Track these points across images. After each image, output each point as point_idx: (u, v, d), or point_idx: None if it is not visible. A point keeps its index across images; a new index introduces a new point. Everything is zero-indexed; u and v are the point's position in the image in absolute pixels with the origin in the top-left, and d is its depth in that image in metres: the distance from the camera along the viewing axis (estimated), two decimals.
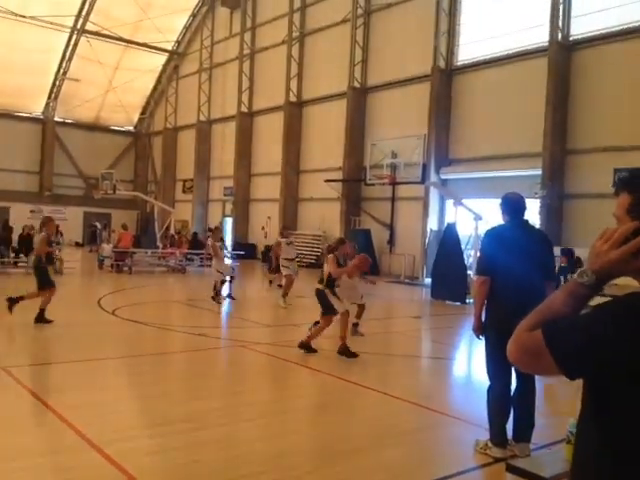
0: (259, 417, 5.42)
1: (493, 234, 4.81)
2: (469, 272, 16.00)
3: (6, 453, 4.33)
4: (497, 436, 4.52)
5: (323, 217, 26.14)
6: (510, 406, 4.53)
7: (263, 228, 30.24)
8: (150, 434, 4.85)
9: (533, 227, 4.79)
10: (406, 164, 16.53)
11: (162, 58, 38.01)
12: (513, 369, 4.52)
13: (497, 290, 4.49)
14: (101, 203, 33.44)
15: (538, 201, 18.69)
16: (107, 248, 20.68)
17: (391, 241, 23.78)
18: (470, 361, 9.14)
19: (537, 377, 4.60)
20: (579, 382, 1.49)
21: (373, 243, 23.19)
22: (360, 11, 25.25)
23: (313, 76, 27.90)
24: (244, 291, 18.23)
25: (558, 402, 6.25)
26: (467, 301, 15.43)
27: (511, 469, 3.15)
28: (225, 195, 33.27)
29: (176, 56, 37.90)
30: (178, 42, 37.47)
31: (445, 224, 22.10)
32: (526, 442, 4.58)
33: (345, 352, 7.79)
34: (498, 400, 4.54)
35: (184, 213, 34.43)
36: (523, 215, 4.73)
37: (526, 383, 4.57)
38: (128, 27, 33.62)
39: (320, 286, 8.06)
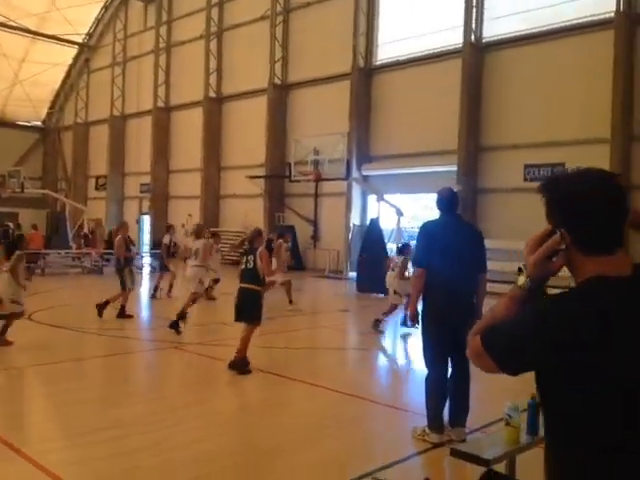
0: (188, 420, 5.30)
1: (427, 228, 4.96)
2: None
3: None
4: (434, 422, 4.69)
5: (246, 214, 25.93)
6: (446, 392, 4.70)
7: (183, 225, 29.55)
8: (79, 443, 4.65)
9: (465, 222, 4.95)
10: (330, 161, 16.68)
11: (72, 51, 36.30)
12: (455, 362, 4.71)
13: (431, 282, 4.66)
14: (7, 202, 31.50)
15: None
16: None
17: (315, 237, 23.95)
18: (397, 351, 9.38)
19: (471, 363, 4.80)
20: None
21: (297, 239, 23.28)
22: (279, 8, 25.21)
23: (233, 72, 27.60)
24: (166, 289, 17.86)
25: (489, 386, 6.52)
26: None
27: (455, 453, 3.29)
28: (142, 192, 32.31)
29: (87, 49, 36.32)
30: (89, 35, 35.91)
31: (367, 219, 22.59)
32: (461, 426, 4.77)
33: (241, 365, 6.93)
34: (435, 387, 4.70)
35: (97, 211, 33.06)
36: (455, 210, 4.88)
37: (461, 369, 4.75)
38: (35, 18, 31.88)
39: (256, 287, 7.10)
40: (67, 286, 17.13)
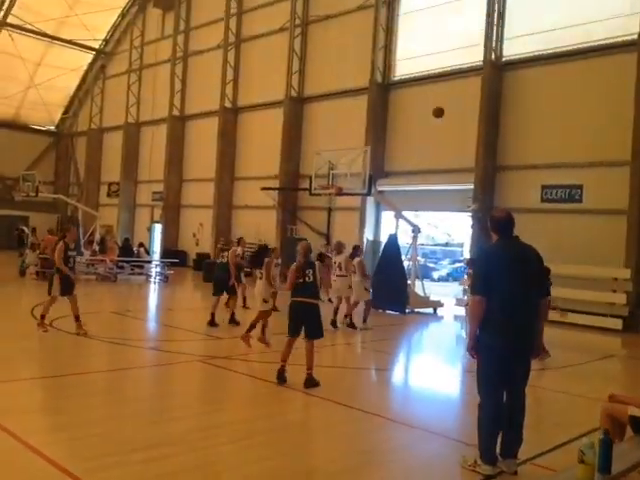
0: (238, 439, 5.26)
1: (487, 253, 4.84)
2: (409, 282, 16.39)
3: None
4: (487, 453, 4.60)
5: (259, 225, 25.93)
6: (502, 423, 4.60)
7: (194, 235, 29.63)
8: (128, 461, 4.58)
9: (524, 244, 4.75)
10: (352, 175, 16.69)
11: (88, 56, 36.56)
12: (512, 396, 4.62)
13: (493, 310, 4.51)
14: (19, 206, 31.66)
15: (470, 214, 19.44)
16: (31, 254, 19.56)
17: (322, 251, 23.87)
18: (425, 374, 9.31)
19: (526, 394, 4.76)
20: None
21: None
22: (298, 21, 25.35)
23: (249, 83, 27.71)
24: (185, 301, 17.84)
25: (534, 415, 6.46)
26: (407, 311, 15.79)
27: None
28: (154, 200, 32.36)
29: (103, 55, 36.55)
30: (106, 41, 36.16)
31: (381, 235, 22.57)
32: (513, 458, 4.68)
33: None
34: (491, 419, 4.59)
35: (109, 218, 33.11)
36: (512, 232, 4.73)
37: (517, 400, 4.68)
38: (53, 22, 32.13)
39: (318, 301, 7.33)
40: (83, 293, 17.06)
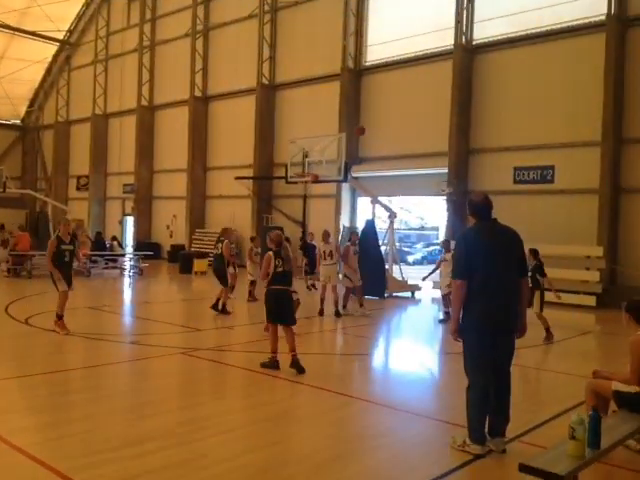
0: (226, 431, 5.22)
1: (466, 237, 4.85)
2: (387, 267, 16.46)
3: None
4: (476, 433, 4.66)
5: (233, 215, 25.74)
6: (490, 403, 4.66)
7: (168, 227, 29.31)
8: (118, 457, 4.51)
9: (503, 226, 4.81)
10: (327, 162, 16.63)
11: (52, 48, 35.66)
12: (498, 377, 4.68)
13: (476, 292, 4.56)
14: None
15: (444, 198, 19.58)
16: (1, 251, 19.14)
17: (304, 238, 23.82)
18: (406, 357, 9.37)
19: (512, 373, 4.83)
20: None
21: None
22: (267, 7, 25.07)
23: (219, 71, 27.37)
24: (161, 294, 17.65)
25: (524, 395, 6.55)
26: (385, 295, 15.88)
27: (524, 469, 3.26)
28: (125, 192, 31.88)
29: (68, 46, 35.71)
30: (70, 31, 35.30)
31: (357, 221, 22.61)
32: (501, 437, 4.76)
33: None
34: (479, 399, 4.64)
35: (79, 212, 32.52)
36: (490, 215, 4.77)
37: (503, 380, 4.74)
38: (15, 14, 31.20)
39: (291, 289, 7.49)
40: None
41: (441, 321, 12.08)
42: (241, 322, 11.82)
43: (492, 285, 4.56)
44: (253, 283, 14.19)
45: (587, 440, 3.48)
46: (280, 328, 7.36)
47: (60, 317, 9.30)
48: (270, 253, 7.38)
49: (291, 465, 4.43)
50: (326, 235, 12.94)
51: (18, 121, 39.18)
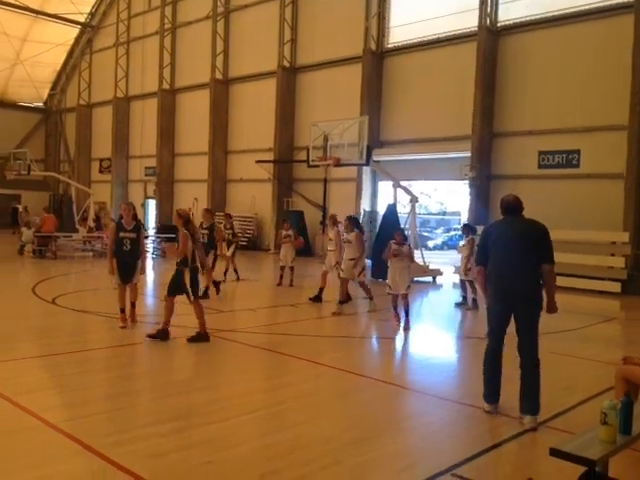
0: (256, 410, 5.28)
1: (486, 229, 5.56)
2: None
3: None
4: (486, 391, 5.29)
5: (254, 198, 25.81)
6: (499, 366, 5.26)
7: (190, 209, 29.41)
8: (148, 434, 4.58)
9: (527, 219, 5.30)
10: (349, 145, 16.53)
11: (74, 31, 35.89)
12: (520, 349, 5.14)
13: (491, 271, 5.30)
14: (10, 184, 31.27)
15: (467, 182, 19.40)
16: (28, 233, 19.43)
17: (324, 222, 23.84)
18: (429, 341, 9.36)
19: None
20: None
21: (306, 224, 23.22)
22: None
23: (240, 54, 27.29)
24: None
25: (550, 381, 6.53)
26: None
27: (556, 453, 3.24)
28: (147, 175, 32.12)
29: (90, 29, 35.87)
30: (92, 14, 35.44)
31: (377, 205, 22.53)
32: (532, 414, 4.93)
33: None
34: (488, 359, 5.30)
35: (102, 194, 32.91)
36: (512, 212, 5.32)
37: (531, 358, 5.08)
38: None
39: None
40: (82, 270, 17.03)
41: (457, 304, 12.08)
42: (264, 304, 11.90)
43: (502, 270, 5.18)
44: (283, 268, 14.01)
45: (619, 426, 3.45)
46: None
47: (121, 310, 8.58)
48: (187, 232, 7.63)
49: (317, 446, 4.46)
50: (332, 220, 12.14)
51: (41, 104, 39.58)
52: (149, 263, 19.95)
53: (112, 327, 8.56)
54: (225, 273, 14.01)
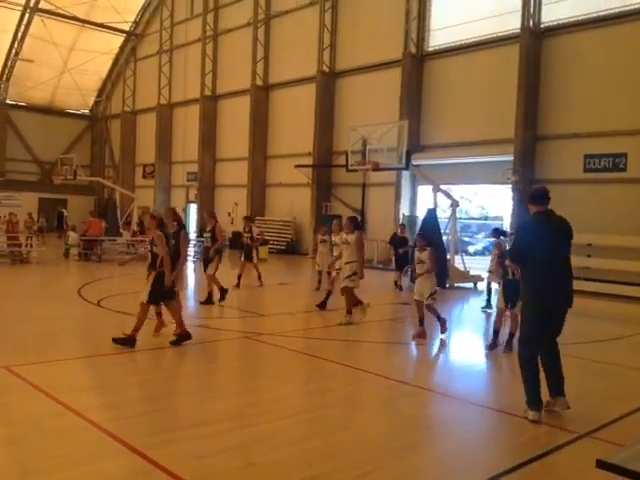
0: (294, 414, 5.29)
1: (524, 228, 5.54)
2: (448, 257, 16.22)
3: (43, 465, 4.04)
4: (533, 398, 5.14)
5: (293, 203, 25.94)
6: (538, 371, 5.20)
7: (229, 214, 29.81)
8: (190, 436, 4.63)
9: (557, 216, 5.35)
10: (388, 149, 16.48)
11: (119, 39, 36.80)
12: (550, 344, 5.24)
13: (531, 274, 5.21)
14: (57, 189, 32.35)
15: (509, 187, 19.07)
16: (73, 236, 19.98)
17: (362, 227, 23.77)
18: (469, 348, 9.22)
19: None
20: None
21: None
22: None
23: (280, 60, 27.52)
24: (222, 279, 17.97)
25: (595, 390, 6.37)
26: (447, 285, 15.66)
27: (604, 466, 3.13)
28: (189, 180, 32.65)
29: (134, 37, 36.72)
30: (136, 23, 36.29)
31: (416, 210, 22.35)
32: (562, 396, 5.14)
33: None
34: (532, 365, 5.18)
35: (145, 199, 33.58)
36: (546, 202, 5.32)
37: (554, 347, 5.31)
38: (84, 6, 32.35)
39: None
40: (125, 274, 17.36)
41: (484, 308, 12.04)
42: (303, 308, 11.93)
43: (549, 268, 5.12)
44: (320, 273, 13.91)
45: None
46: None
47: (159, 315, 8.41)
48: (161, 233, 7.56)
49: (358, 452, 4.43)
50: (340, 224, 11.15)
51: (87, 111, 40.69)
52: (192, 266, 20.23)
53: (153, 329, 8.70)
54: (259, 278, 14.10)
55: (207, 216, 12.10)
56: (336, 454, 4.37)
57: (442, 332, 8.89)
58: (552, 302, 5.13)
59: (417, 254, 8.99)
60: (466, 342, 9.70)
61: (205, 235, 11.72)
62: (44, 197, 35.82)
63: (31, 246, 20.38)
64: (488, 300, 12.05)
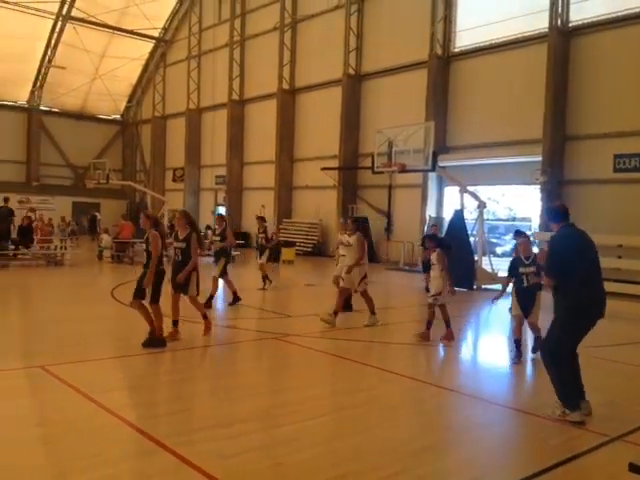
0: (321, 415, 5.38)
1: (561, 243, 5.36)
2: (476, 258, 16.13)
3: (78, 464, 4.15)
4: (574, 401, 5.13)
5: (319, 205, 26.05)
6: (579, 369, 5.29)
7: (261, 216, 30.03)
8: (219, 435, 4.74)
9: (581, 230, 5.45)
10: (414, 151, 16.47)
11: (149, 45, 37.44)
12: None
13: (571, 286, 5.15)
14: (90, 193, 33.06)
15: (538, 187, 18.88)
16: (106, 239, 20.40)
17: (389, 228, 23.81)
18: (496, 351, 9.19)
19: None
20: None
21: (371, 230, 23.19)
22: None
23: (306, 63, 27.69)
24: (250, 281, 18.17)
25: (627, 394, 6.32)
26: (474, 287, 15.58)
27: (636, 469, 3.12)
28: (217, 184, 33.04)
29: (163, 43, 37.33)
30: (165, 29, 36.90)
31: (443, 211, 22.26)
32: (586, 400, 5.25)
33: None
34: (572, 372, 5.21)
35: (175, 202, 33.99)
36: (568, 218, 5.41)
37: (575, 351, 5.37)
38: (114, 14, 33.03)
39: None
40: None
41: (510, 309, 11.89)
42: (329, 310, 11.98)
43: (590, 279, 5.22)
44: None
45: None
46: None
47: (174, 323, 8.37)
48: (157, 233, 7.60)
49: (384, 453, 4.49)
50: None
51: (118, 116, 41.46)
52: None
53: (183, 329, 8.87)
54: (263, 280, 13.98)
55: (217, 219, 12.79)
56: (362, 455, 4.44)
57: (422, 337, 8.64)
58: (597, 315, 5.20)
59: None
60: (493, 344, 9.66)
61: (214, 238, 11.77)
62: (78, 201, 36.66)
63: (65, 248, 20.88)
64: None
